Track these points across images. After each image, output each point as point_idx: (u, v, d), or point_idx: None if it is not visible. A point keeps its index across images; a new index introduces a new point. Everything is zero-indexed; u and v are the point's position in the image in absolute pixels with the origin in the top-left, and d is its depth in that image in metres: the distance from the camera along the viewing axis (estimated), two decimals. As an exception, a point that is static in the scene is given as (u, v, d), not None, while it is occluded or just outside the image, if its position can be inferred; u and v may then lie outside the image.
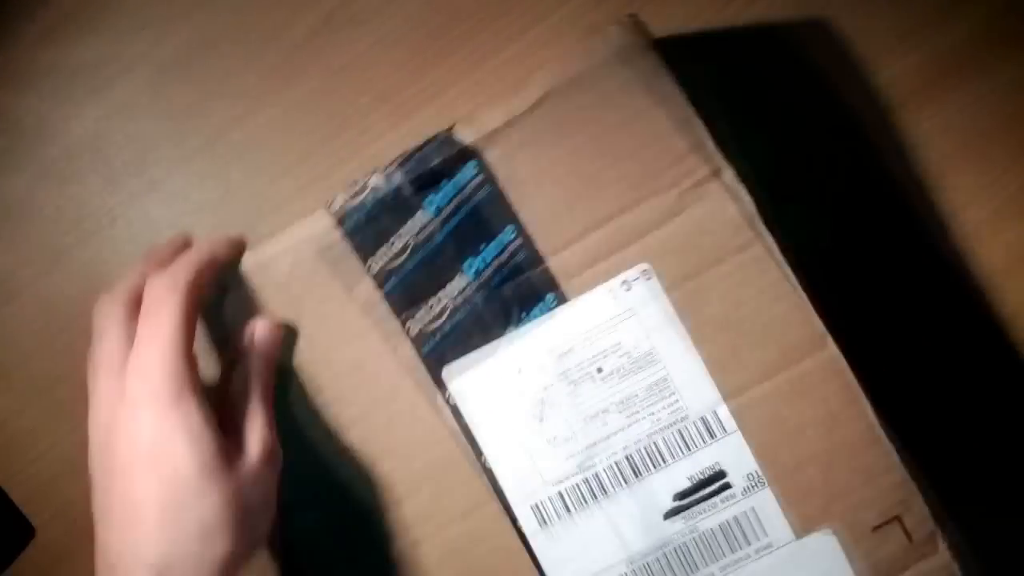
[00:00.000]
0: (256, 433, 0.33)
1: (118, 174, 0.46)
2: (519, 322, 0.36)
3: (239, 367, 0.35)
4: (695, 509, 0.35)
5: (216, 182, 0.46)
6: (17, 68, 0.46)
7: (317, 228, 0.36)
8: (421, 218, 0.35)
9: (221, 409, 0.33)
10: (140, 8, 0.46)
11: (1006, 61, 0.42)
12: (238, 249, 0.36)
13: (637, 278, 0.35)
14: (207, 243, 0.35)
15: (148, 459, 0.30)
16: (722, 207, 0.34)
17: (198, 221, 0.46)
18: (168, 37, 0.46)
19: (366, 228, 0.35)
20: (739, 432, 0.35)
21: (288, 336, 0.36)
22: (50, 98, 0.46)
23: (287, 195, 0.45)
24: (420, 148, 0.35)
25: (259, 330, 0.35)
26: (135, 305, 0.33)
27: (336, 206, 0.35)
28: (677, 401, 0.35)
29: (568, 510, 0.36)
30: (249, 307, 0.36)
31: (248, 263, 0.36)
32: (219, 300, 0.36)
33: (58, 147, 0.46)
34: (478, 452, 0.36)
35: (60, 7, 0.46)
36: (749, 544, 0.35)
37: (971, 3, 0.42)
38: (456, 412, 0.36)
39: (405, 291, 0.36)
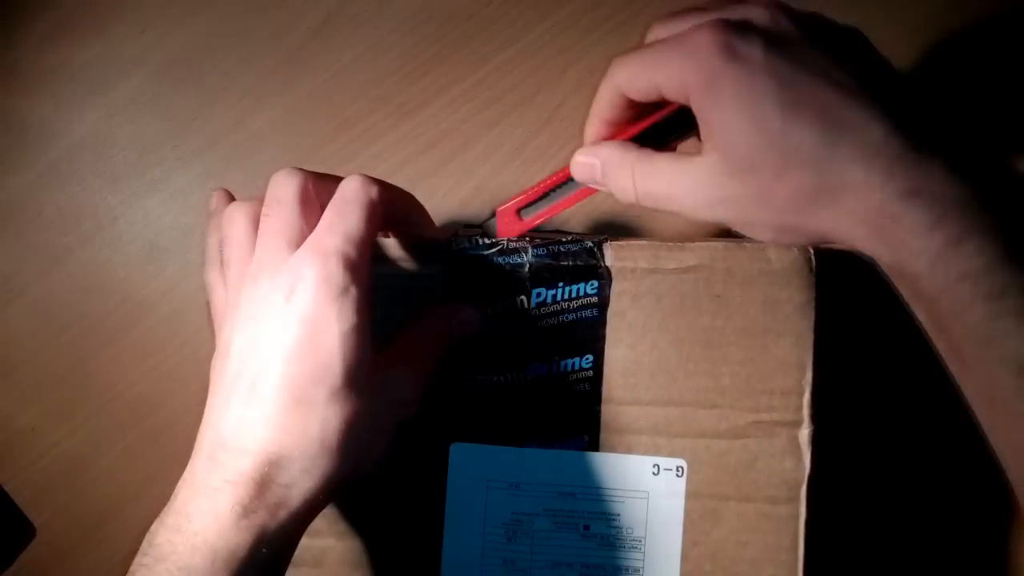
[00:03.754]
0: (409, 374, 0.32)
1: (119, 175, 0.46)
2: (544, 444, 0.35)
3: (431, 321, 0.34)
4: None
5: (216, 183, 0.46)
6: (19, 70, 0.46)
7: (431, 254, 0.35)
8: (522, 303, 0.35)
9: (395, 335, 0.32)
10: (140, 10, 0.46)
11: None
12: (422, 217, 0.34)
13: (670, 469, 0.34)
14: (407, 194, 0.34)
15: (297, 341, 0.28)
16: (780, 457, 0.34)
17: (198, 222, 0.46)
18: (168, 39, 0.46)
19: (468, 280, 0.35)
20: None
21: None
22: (51, 99, 0.46)
23: (287, 196, 0.45)
24: (564, 240, 0.35)
25: (467, 316, 0.34)
26: (257, 220, 0.31)
27: (456, 245, 0.35)
28: None
29: None
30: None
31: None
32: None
33: (59, 148, 0.46)
34: (437, 529, 0.35)
35: (61, 10, 0.46)
36: None
37: (972, 3, 0.43)
38: (438, 486, 0.35)
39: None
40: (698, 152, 0.29)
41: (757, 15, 0.28)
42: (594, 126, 0.32)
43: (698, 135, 0.30)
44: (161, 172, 0.46)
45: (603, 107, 0.31)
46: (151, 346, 0.46)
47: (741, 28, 0.27)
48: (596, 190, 0.33)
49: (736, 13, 0.28)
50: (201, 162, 0.46)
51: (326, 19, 0.45)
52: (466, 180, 0.45)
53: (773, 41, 0.27)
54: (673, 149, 0.32)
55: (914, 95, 0.28)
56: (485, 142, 0.45)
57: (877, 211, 0.26)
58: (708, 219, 0.30)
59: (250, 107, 0.46)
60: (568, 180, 0.33)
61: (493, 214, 0.35)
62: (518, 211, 0.34)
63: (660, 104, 0.31)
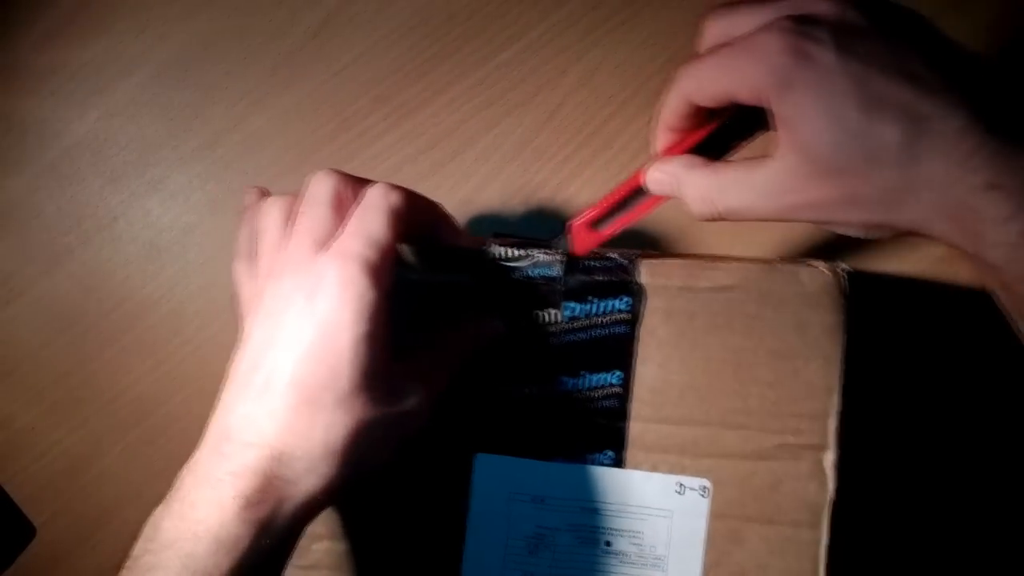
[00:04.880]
0: (423, 387, 0.31)
1: (119, 175, 0.46)
2: (569, 459, 0.35)
3: (454, 333, 0.34)
4: None
5: (216, 183, 0.46)
6: (18, 70, 0.46)
7: (461, 263, 0.35)
8: (553, 316, 0.34)
9: (415, 345, 0.32)
10: (140, 10, 0.46)
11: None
12: (449, 226, 0.35)
13: (695, 489, 0.34)
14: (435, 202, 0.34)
15: (311, 344, 0.28)
16: (805, 481, 0.34)
17: (198, 221, 0.46)
18: (168, 39, 0.46)
19: (498, 291, 0.35)
20: None
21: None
22: (51, 99, 0.46)
23: (287, 196, 0.45)
24: (599, 256, 0.34)
25: (492, 329, 0.34)
26: (290, 216, 0.32)
27: (488, 254, 0.34)
28: None
29: None
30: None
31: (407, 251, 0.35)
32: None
33: (59, 148, 0.46)
34: (459, 539, 0.35)
35: (61, 9, 0.46)
36: None
37: (973, 2, 0.43)
38: (461, 496, 0.35)
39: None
40: (769, 155, 0.28)
41: (822, 8, 0.27)
42: (662, 135, 0.32)
43: (763, 132, 0.29)
44: (161, 172, 0.46)
45: (670, 116, 0.31)
46: (151, 346, 0.46)
47: (808, 26, 0.27)
48: (670, 197, 0.32)
49: (799, 6, 0.28)
50: (201, 162, 0.46)
51: (326, 19, 0.45)
52: (466, 180, 0.45)
53: (843, 37, 0.27)
54: (735, 149, 0.32)
55: (989, 79, 0.27)
56: (485, 142, 0.45)
57: (957, 205, 0.26)
58: (795, 220, 0.29)
59: (250, 107, 0.46)
60: (638, 190, 0.33)
61: (565, 230, 0.34)
62: (592, 224, 0.34)
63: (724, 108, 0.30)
